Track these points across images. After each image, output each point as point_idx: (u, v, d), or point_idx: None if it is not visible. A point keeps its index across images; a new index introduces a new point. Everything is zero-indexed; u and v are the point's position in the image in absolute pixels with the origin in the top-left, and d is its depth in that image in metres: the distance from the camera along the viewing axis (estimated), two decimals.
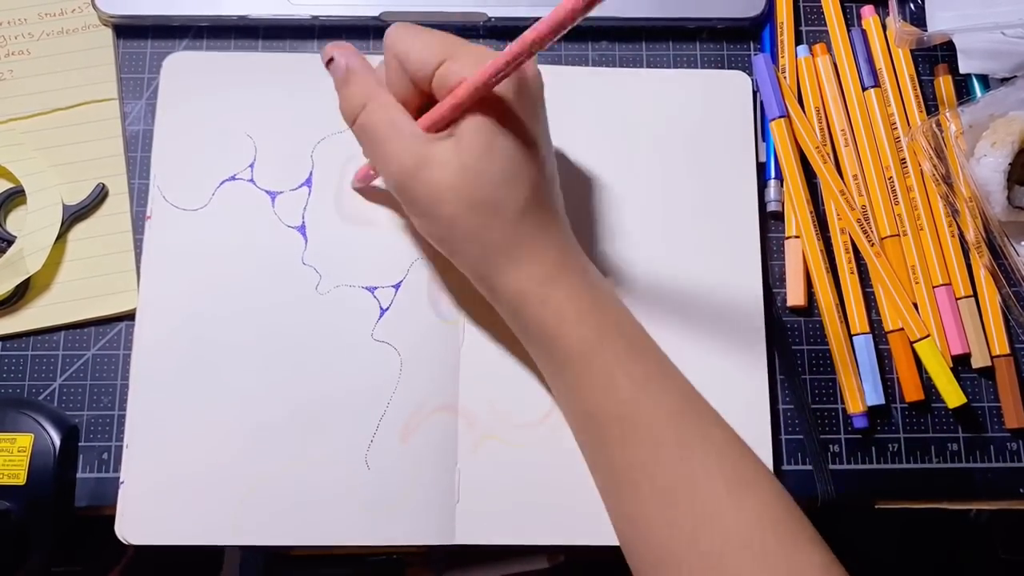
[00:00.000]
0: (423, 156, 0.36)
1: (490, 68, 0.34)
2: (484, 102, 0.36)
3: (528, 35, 0.32)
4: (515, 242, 0.37)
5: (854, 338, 0.46)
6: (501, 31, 0.50)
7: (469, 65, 0.35)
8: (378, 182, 0.46)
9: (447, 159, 0.36)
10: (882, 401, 0.45)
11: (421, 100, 0.38)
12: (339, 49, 0.39)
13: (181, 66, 0.47)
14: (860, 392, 0.46)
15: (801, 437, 0.45)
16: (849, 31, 0.50)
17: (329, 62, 0.39)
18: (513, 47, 0.33)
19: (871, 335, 0.46)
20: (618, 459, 0.37)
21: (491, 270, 0.38)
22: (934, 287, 0.47)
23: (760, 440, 0.44)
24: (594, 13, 0.49)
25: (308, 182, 0.46)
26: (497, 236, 0.37)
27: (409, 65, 0.37)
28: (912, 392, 0.46)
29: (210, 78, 0.47)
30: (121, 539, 0.41)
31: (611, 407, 0.37)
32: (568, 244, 0.39)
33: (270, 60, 0.48)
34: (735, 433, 0.38)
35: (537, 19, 0.48)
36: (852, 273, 0.47)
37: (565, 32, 0.32)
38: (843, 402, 0.46)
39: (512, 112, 0.36)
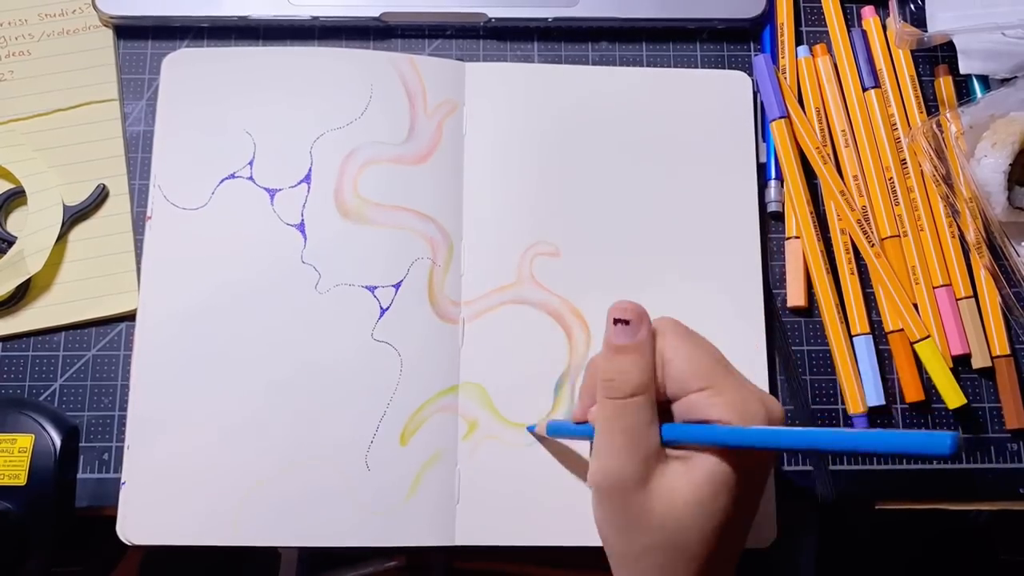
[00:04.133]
0: (651, 471, 0.34)
1: (752, 440, 0.32)
2: (728, 455, 0.33)
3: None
4: None
5: (854, 339, 0.46)
6: (501, 31, 0.50)
7: (728, 407, 0.33)
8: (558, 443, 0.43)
9: (675, 484, 0.33)
10: (882, 402, 0.45)
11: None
12: (639, 307, 0.35)
13: (182, 63, 0.47)
14: (860, 393, 0.46)
15: None
16: (849, 32, 0.50)
17: (624, 320, 0.35)
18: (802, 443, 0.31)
19: (871, 336, 0.46)
20: None
21: None
22: (934, 288, 0.47)
23: None
24: (594, 13, 0.49)
25: (307, 178, 0.46)
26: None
27: (668, 371, 0.35)
28: (912, 393, 0.46)
29: (210, 74, 0.47)
30: (123, 539, 0.41)
31: None
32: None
33: (269, 54, 0.48)
34: None
35: (537, 18, 0.49)
36: (852, 274, 0.47)
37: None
38: (843, 402, 0.46)
39: (743, 477, 0.33)
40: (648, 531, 0.34)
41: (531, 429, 0.44)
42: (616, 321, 0.35)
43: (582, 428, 0.39)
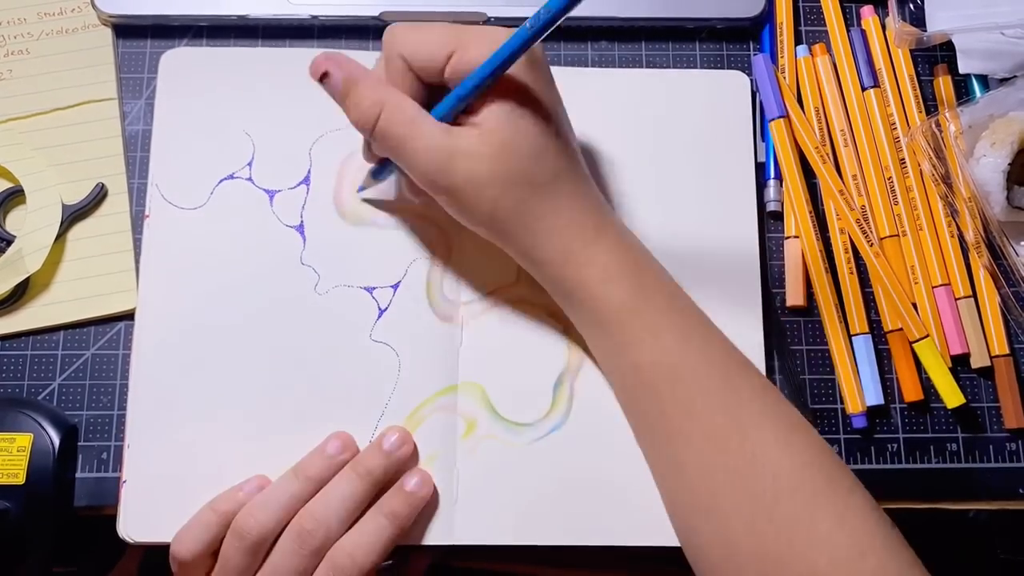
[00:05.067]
0: (452, 149, 0.37)
1: (506, 52, 0.35)
2: (499, 83, 0.37)
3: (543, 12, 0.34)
4: (553, 209, 0.38)
5: (853, 338, 0.46)
6: None
7: (482, 51, 0.36)
8: (384, 186, 0.46)
9: (476, 148, 0.37)
10: (881, 401, 0.45)
11: (426, 94, 0.39)
12: (331, 61, 0.38)
13: (180, 61, 0.47)
14: (859, 392, 0.46)
15: None
16: (849, 31, 0.50)
17: (323, 77, 0.38)
18: (526, 29, 0.34)
19: (870, 335, 0.46)
20: (668, 407, 0.38)
21: (535, 240, 0.39)
22: (933, 287, 0.47)
23: None
24: (594, 13, 0.49)
25: (306, 180, 0.46)
26: (536, 206, 0.38)
27: (417, 61, 0.38)
28: (911, 392, 0.46)
29: (208, 73, 0.47)
30: (124, 537, 0.41)
31: (659, 357, 0.38)
32: (603, 207, 0.40)
33: (268, 55, 0.48)
34: (772, 384, 0.39)
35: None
36: (851, 273, 0.47)
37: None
38: (843, 402, 0.46)
39: (528, 90, 0.37)
40: (486, 186, 0.37)
41: (361, 190, 0.46)
42: (320, 81, 0.38)
43: (380, 168, 0.43)
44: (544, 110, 0.38)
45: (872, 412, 0.46)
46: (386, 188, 0.46)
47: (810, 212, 0.47)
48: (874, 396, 0.45)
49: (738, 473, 0.36)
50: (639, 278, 0.39)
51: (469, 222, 0.40)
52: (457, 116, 0.38)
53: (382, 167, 0.43)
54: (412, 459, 0.42)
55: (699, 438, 0.37)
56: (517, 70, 0.37)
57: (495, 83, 0.37)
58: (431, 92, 0.39)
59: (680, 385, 0.38)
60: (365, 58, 0.47)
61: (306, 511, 0.39)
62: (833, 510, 0.35)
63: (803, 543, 0.35)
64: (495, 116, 0.37)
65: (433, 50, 0.37)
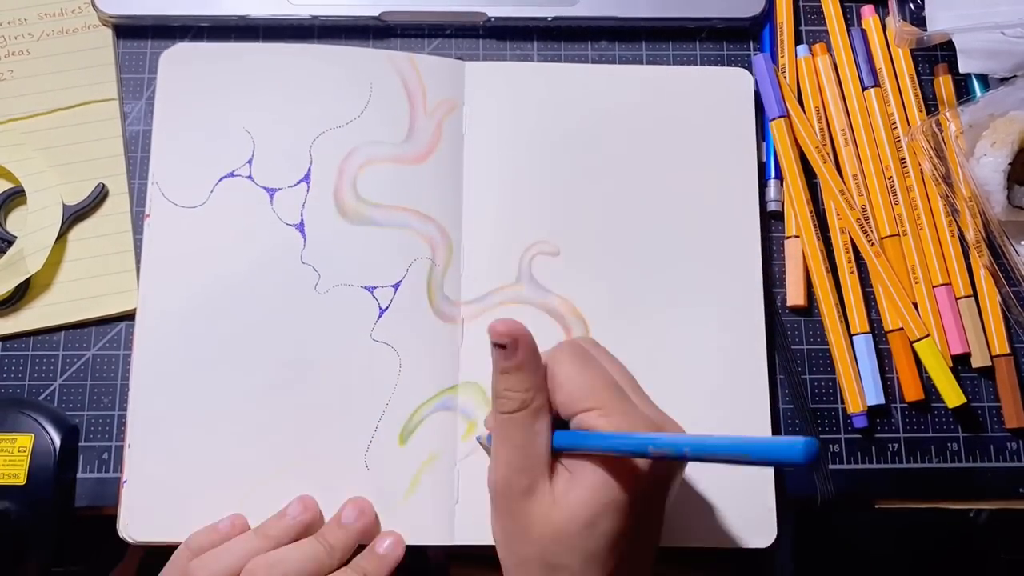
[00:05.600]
0: (537, 483, 0.35)
1: (630, 447, 0.33)
2: (618, 475, 0.34)
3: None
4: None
5: (854, 338, 0.46)
6: (501, 30, 0.50)
7: (611, 426, 0.34)
8: None
9: (559, 498, 0.34)
10: (882, 401, 0.45)
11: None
12: (515, 328, 0.36)
13: (180, 59, 0.47)
14: (860, 392, 0.46)
15: None
16: (849, 31, 0.50)
17: (501, 345, 0.36)
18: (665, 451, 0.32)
19: (871, 335, 0.46)
20: None
21: None
22: (934, 287, 0.47)
23: None
24: (594, 13, 0.49)
25: (307, 178, 0.46)
26: None
27: (559, 393, 0.36)
28: (912, 392, 0.46)
29: (208, 71, 0.47)
30: (125, 538, 0.42)
31: None
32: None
33: (268, 51, 0.48)
34: None
35: (537, 18, 0.49)
36: (852, 273, 0.47)
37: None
38: (843, 402, 0.46)
39: (636, 500, 0.34)
40: (527, 543, 0.35)
41: (479, 440, 0.44)
42: (495, 345, 0.36)
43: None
44: (636, 513, 0.34)
45: (873, 412, 0.46)
46: None
47: (810, 212, 0.47)
48: (875, 396, 0.45)
49: None
50: None
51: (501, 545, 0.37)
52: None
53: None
54: (374, 527, 0.42)
55: None
56: (641, 472, 0.34)
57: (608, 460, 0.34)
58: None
59: None
60: (365, 56, 0.48)
61: (261, 558, 0.39)
62: None
63: None
64: (588, 484, 0.34)
65: (578, 396, 0.35)
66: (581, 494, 0.34)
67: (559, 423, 0.36)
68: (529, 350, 0.36)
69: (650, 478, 0.34)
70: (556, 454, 0.36)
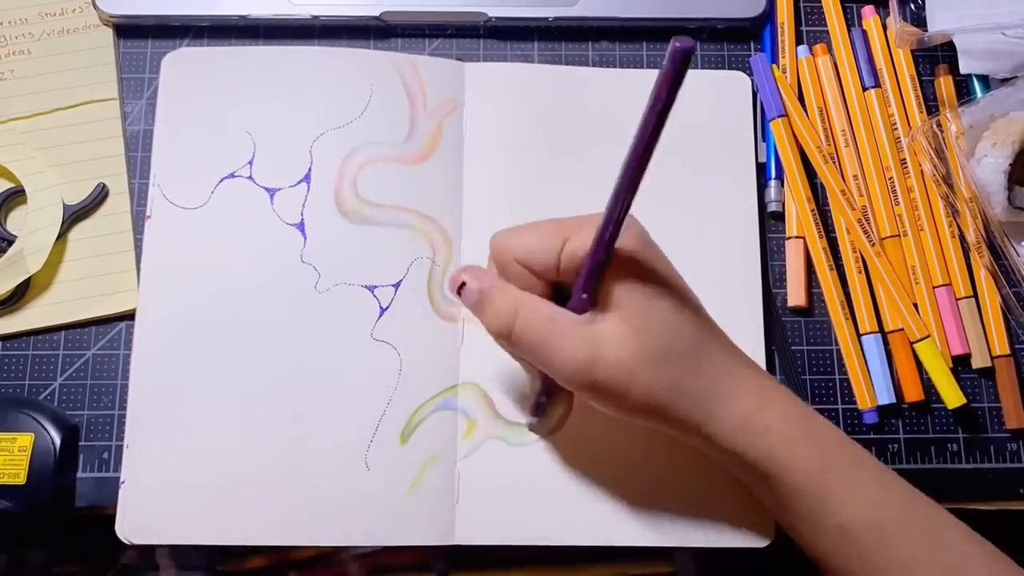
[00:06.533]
0: (595, 338, 0.35)
1: (603, 220, 0.34)
2: (619, 266, 0.35)
3: (624, 177, 0.33)
4: (715, 381, 0.36)
5: (862, 337, 0.46)
6: (501, 31, 0.50)
7: (590, 230, 0.35)
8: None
9: (617, 334, 0.35)
10: (893, 400, 0.45)
11: (551, 294, 0.37)
12: (467, 272, 0.37)
13: (182, 62, 0.47)
14: (870, 390, 0.45)
15: None
16: (849, 31, 0.50)
17: (460, 288, 0.37)
18: (611, 198, 0.33)
19: (880, 334, 0.46)
20: (883, 560, 0.36)
21: (705, 417, 0.36)
22: (934, 287, 0.47)
23: None
24: (594, 13, 0.49)
25: (307, 178, 0.46)
26: (696, 382, 0.36)
27: (534, 259, 0.36)
28: (912, 392, 0.46)
29: (209, 73, 0.47)
30: (122, 539, 0.41)
31: (860, 516, 0.36)
32: (751, 364, 0.38)
33: (269, 53, 0.48)
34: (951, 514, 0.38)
35: (537, 18, 0.49)
36: (860, 272, 0.47)
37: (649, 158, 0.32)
38: (844, 401, 0.46)
39: (650, 267, 0.36)
40: (638, 373, 0.35)
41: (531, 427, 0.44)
42: (457, 293, 0.37)
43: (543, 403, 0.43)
44: (670, 284, 0.36)
45: (882, 411, 0.46)
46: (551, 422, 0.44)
47: (812, 212, 0.47)
48: (886, 395, 0.45)
49: None
50: (814, 431, 0.37)
51: (623, 412, 0.37)
52: (588, 308, 0.36)
53: (541, 403, 0.43)
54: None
55: None
56: (633, 250, 0.35)
57: (616, 267, 0.35)
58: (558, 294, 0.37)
59: (886, 538, 0.36)
60: (365, 56, 0.48)
61: None
62: None
63: None
64: (628, 296, 0.35)
65: (545, 244, 0.36)
66: (627, 300, 0.35)
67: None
68: (484, 275, 0.37)
69: (637, 241, 0.36)
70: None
